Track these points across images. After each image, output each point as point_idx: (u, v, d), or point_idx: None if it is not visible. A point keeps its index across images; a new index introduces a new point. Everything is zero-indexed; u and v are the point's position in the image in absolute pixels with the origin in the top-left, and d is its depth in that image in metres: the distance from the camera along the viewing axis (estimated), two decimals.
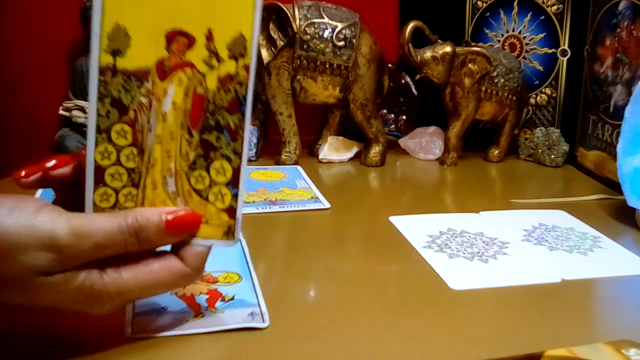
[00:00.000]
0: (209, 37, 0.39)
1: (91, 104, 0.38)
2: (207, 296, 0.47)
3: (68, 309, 0.37)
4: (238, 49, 0.39)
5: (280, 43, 0.84)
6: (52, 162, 0.42)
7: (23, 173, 0.41)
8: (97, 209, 0.39)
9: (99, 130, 0.38)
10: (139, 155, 0.39)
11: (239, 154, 0.40)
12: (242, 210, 0.41)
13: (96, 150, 0.38)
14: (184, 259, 0.39)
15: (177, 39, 0.38)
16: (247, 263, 0.53)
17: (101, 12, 0.37)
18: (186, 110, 0.39)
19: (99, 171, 0.39)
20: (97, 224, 0.36)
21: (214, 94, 0.39)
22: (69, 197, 0.41)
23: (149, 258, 0.38)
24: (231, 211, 0.41)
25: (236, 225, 0.41)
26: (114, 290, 0.37)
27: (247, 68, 0.39)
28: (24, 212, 0.35)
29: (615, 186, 0.76)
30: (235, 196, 0.40)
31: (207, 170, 0.40)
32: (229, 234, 0.41)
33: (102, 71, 0.38)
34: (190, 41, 0.39)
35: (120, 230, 0.37)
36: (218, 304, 0.46)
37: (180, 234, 0.39)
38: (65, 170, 0.42)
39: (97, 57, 0.37)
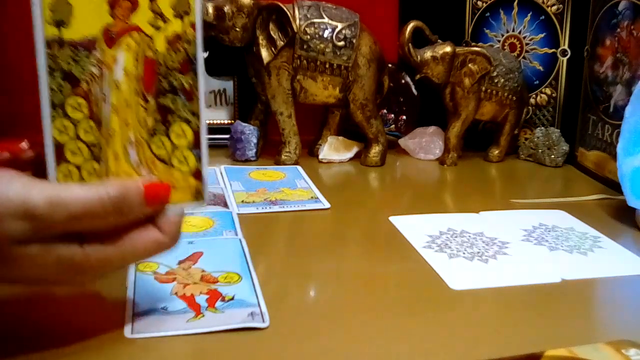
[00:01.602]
0: None
1: (42, 80, 0.37)
2: (207, 296, 0.47)
3: (50, 281, 0.36)
4: (182, 7, 0.38)
5: (280, 43, 0.84)
6: (24, 144, 0.41)
7: None
8: None
9: (53, 106, 0.38)
10: (97, 128, 0.38)
11: (197, 115, 0.40)
12: (208, 169, 0.40)
13: (53, 126, 0.38)
14: (160, 227, 0.38)
15: (120, 3, 0.38)
16: (247, 263, 0.53)
17: None
18: (139, 76, 0.39)
19: (59, 148, 0.38)
20: (74, 193, 0.35)
21: (164, 56, 0.39)
22: (42, 176, 0.40)
23: (128, 228, 0.38)
24: (197, 173, 0.40)
25: (204, 186, 0.40)
26: (95, 260, 0.36)
27: (193, 25, 0.39)
28: None
29: (615, 186, 0.76)
30: (199, 158, 0.40)
31: (167, 135, 0.39)
32: (198, 195, 0.40)
33: (48, 44, 0.37)
34: (134, 4, 0.38)
35: (100, 201, 0.36)
36: (218, 304, 0.46)
37: (157, 202, 0.38)
38: (33, 153, 0.41)
39: (41, 30, 0.37)
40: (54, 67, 0.37)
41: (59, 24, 0.37)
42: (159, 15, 0.38)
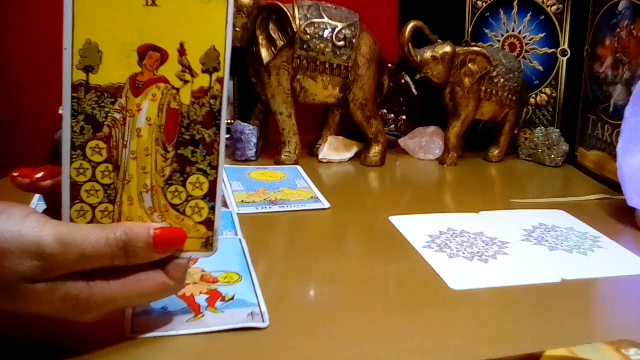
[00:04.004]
0: (182, 51, 0.39)
1: (65, 121, 0.38)
2: (207, 296, 0.47)
3: (54, 316, 0.37)
4: (211, 63, 0.39)
5: (280, 43, 0.84)
6: (41, 174, 0.41)
7: (17, 174, 0.41)
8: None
9: (73, 147, 0.39)
10: (115, 172, 0.39)
11: (215, 167, 0.40)
12: (220, 221, 0.41)
13: (72, 167, 0.39)
14: (167, 272, 0.39)
15: (150, 54, 0.38)
16: (247, 263, 0.53)
17: (72, 28, 0.37)
18: (161, 126, 0.39)
19: (75, 188, 0.39)
20: (84, 234, 0.36)
21: (189, 109, 0.39)
22: (57, 206, 0.41)
23: (135, 270, 0.38)
24: (209, 223, 0.41)
25: (214, 236, 0.41)
26: (101, 299, 0.37)
27: (220, 81, 0.39)
28: (11, 218, 0.35)
29: (615, 186, 0.76)
30: (212, 209, 0.41)
31: (184, 185, 0.40)
32: (207, 245, 0.41)
33: (74, 88, 0.38)
34: (163, 56, 0.39)
35: (108, 243, 0.37)
36: (218, 304, 0.46)
37: (167, 249, 0.39)
38: (48, 183, 0.41)
39: (69, 74, 0.38)
40: (78, 110, 0.38)
41: (88, 69, 0.38)
42: (188, 68, 0.39)
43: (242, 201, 0.71)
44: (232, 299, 0.47)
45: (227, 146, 0.91)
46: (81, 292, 0.36)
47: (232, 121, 0.96)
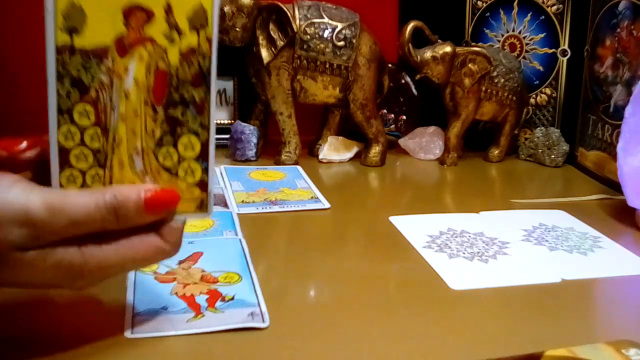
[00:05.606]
0: (168, 10, 0.38)
1: (50, 85, 0.37)
2: (207, 296, 0.47)
3: (48, 285, 0.36)
4: (199, 20, 0.38)
5: (280, 43, 0.84)
6: (24, 144, 0.41)
7: None
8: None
9: (60, 111, 0.38)
10: (104, 135, 0.38)
11: (206, 127, 0.39)
12: (214, 182, 0.40)
13: (59, 131, 0.38)
14: (161, 235, 0.38)
15: (135, 13, 0.37)
16: (247, 263, 0.53)
17: None
18: (149, 87, 0.38)
19: (64, 153, 0.38)
20: (72, 199, 0.36)
21: (177, 68, 0.39)
22: (43, 177, 0.40)
23: (129, 234, 0.38)
24: (202, 185, 0.40)
25: (209, 198, 0.40)
26: (95, 264, 0.36)
27: (209, 40, 0.39)
28: None
29: (615, 186, 0.76)
30: (205, 170, 0.40)
31: (175, 146, 0.39)
32: (202, 207, 0.40)
33: (59, 50, 0.37)
34: (149, 15, 0.38)
35: (97, 207, 0.36)
36: (218, 304, 0.46)
37: (159, 211, 0.38)
38: (32, 153, 0.41)
39: (52, 37, 0.37)
40: (64, 73, 0.37)
41: (72, 31, 0.37)
42: (174, 27, 0.38)
43: (242, 201, 0.71)
44: (232, 299, 0.47)
45: (227, 146, 0.91)
46: (73, 258, 0.36)
47: (232, 121, 0.96)
